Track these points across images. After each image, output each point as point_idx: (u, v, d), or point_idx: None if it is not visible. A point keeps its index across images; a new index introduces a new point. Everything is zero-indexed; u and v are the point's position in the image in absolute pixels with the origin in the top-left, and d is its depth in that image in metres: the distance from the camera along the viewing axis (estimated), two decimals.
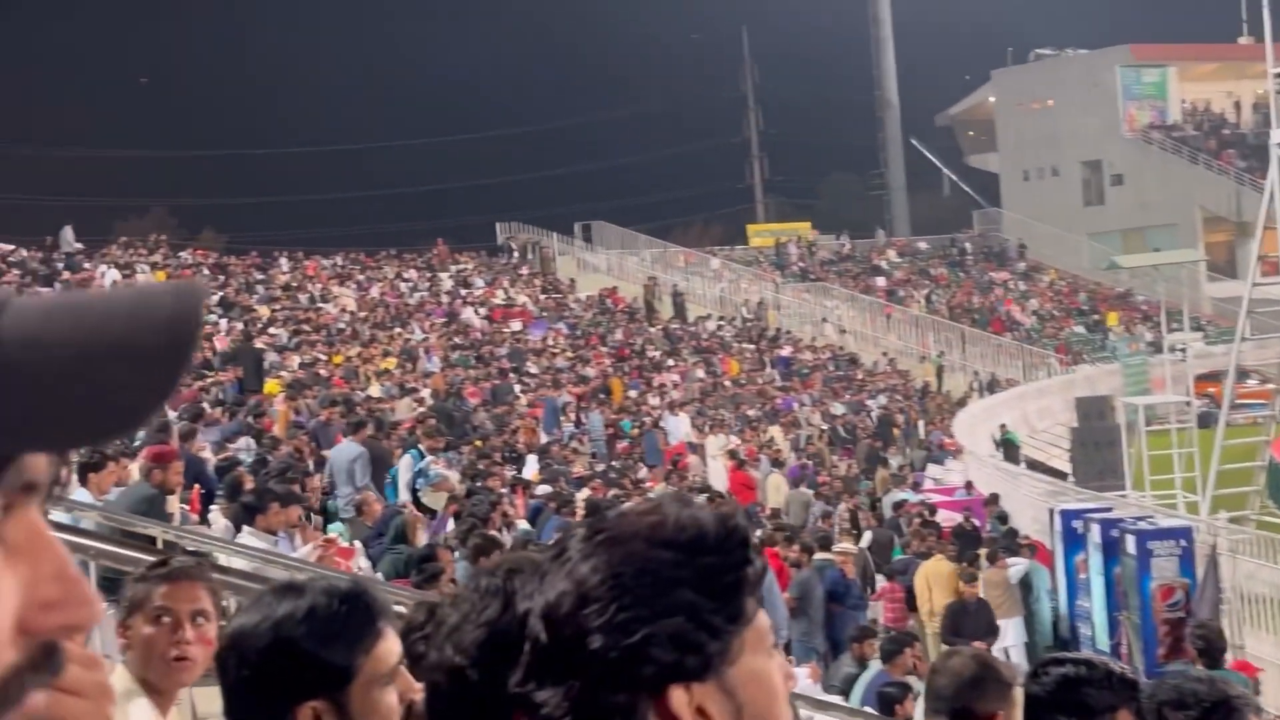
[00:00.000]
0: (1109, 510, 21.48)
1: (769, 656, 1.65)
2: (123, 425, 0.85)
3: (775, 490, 29.12)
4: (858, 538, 22.63)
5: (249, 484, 13.95)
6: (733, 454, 30.98)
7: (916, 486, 30.36)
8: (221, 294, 39.29)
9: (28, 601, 0.87)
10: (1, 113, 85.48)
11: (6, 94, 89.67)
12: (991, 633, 18.57)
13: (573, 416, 33.80)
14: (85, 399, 0.83)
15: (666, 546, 1.58)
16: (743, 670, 1.60)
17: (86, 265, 41.23)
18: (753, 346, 48.99)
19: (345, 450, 18.42)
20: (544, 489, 22.24)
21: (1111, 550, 19.06)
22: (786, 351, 48.88)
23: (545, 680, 1.59)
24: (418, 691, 2.44)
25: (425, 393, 31.09)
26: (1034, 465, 36.02)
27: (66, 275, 39.17)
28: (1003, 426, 38.87)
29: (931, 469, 34.71)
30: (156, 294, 0.86)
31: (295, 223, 78.55)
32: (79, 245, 44.28)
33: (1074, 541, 20.48)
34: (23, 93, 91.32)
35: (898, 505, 25.95)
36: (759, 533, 17.50)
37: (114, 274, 40.15)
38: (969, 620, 18.27)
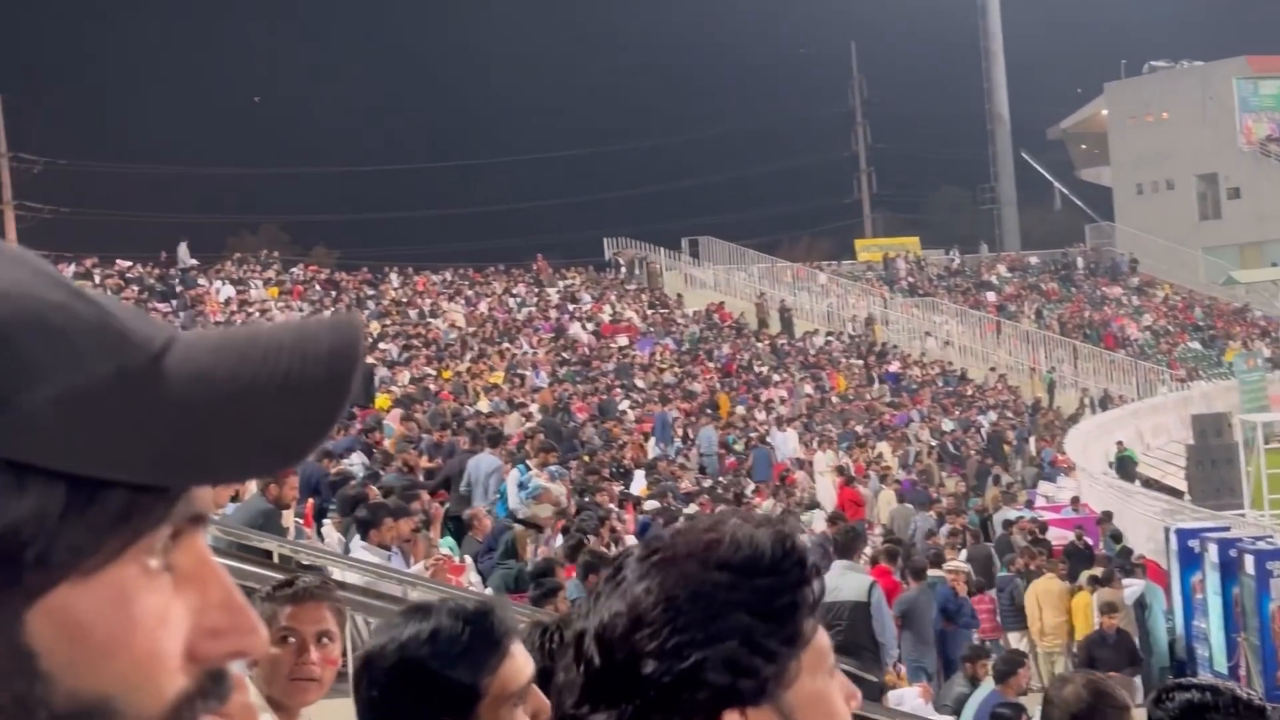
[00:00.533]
0: (1226, 529, 21.10)
1: (829, 677, 1.63)
2: (287, 458, 0.88)
3: (886, 507, 28.96)
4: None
5: (371, 497, 14.08)
6: (841, 470, 30.84)
7: (1029, 504, 30.03)
8: (333, 309, 39.78)
9: (196, 629, 0.90)
10: (119, 131, 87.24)
11: (124, 113, 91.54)
12: (1134, 664, 18.07)
13: (680, 432, 33.82)
14: (252, 433, 0.86)
15: (721, 568, 1.57)
16: (801, 693, 1.58)
17: (201, 281, 41.96)
18: (860, 362, 48.71)
19: (484, 462, 18.69)
20: (652, 504, 22.27)
21: (1230, 570, 18.70)
22: (895, 367, 48.55)
23: (599, 703, 1.58)
24: (548, 711, 2.46)
25: (533, 408, 31.24)
26: (1149, 483, 35.46)
27: (182, 290, 39.88)
28: (1120, 443, 38.32)
29: (1043, 486, 34.32)
30: (315, 329, 0.89)
31: (404, 238, 79.41)
32: (194, 261, 45.04)
33: (1190, 561, 20.12)
34: (140, 112, 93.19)
35: (1009, 523, 25.66)
36: (869, 550, 17.35)
37: (228, 290, 40.83)
38: (1108, 652, 17.64)
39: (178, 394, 0.85)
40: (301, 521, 14.46)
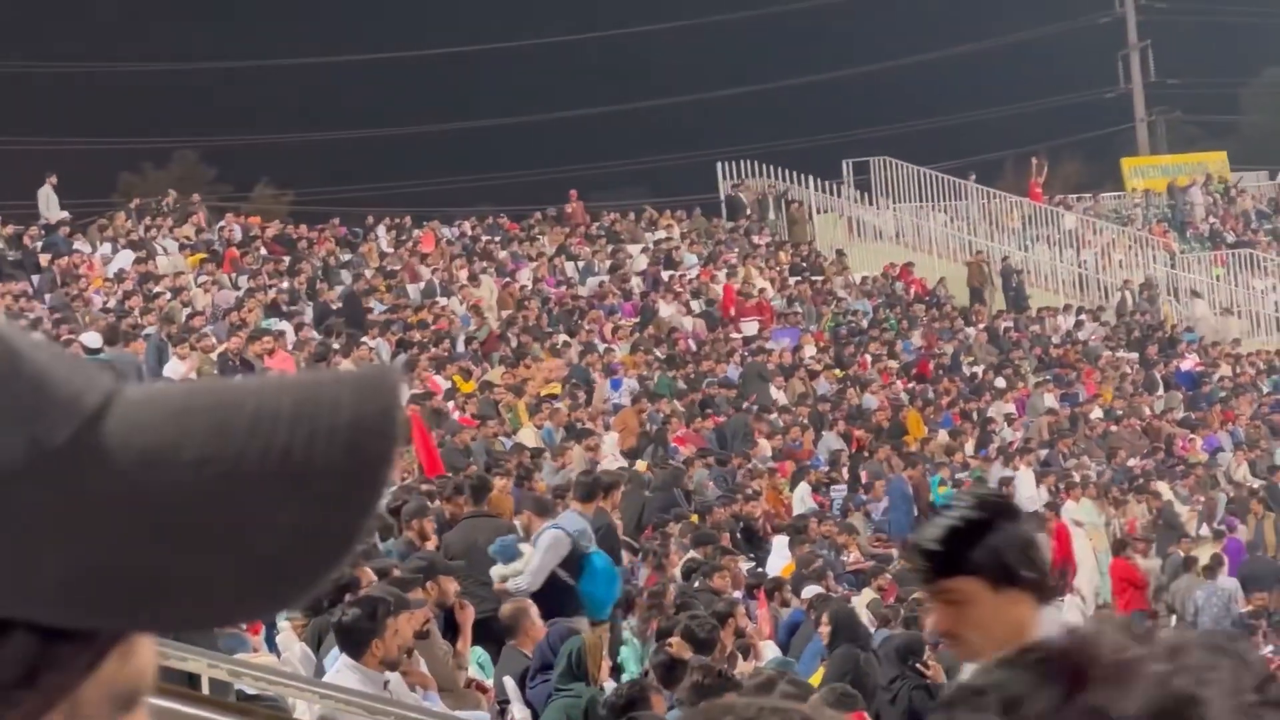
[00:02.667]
0: None
1: None
2: (290, 591, 0.87)
3: (1186, 585, 28.94)
4: None
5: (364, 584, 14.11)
6: (1118, 539, 30.71)
7: None
8: (287, 286, 40.00)
9: None
10: None
11: None
12: None
13: (846, 472, 33.81)
14: (235, 549, 0.84)
15: None
16: None
17: (77, 245, 42.24)
18: (1135, 355, 48.37)
19: (565, 523, 18.88)
20: (808, 591, 22.28)
21: None
22: (1191, 363, 48.17)
23: None
24: None
25: (607, 439, 31.28)
26: None
27: (46, 261, 40.21)
28: None
29: None
30: (331, 388, 0.88)
31: (393, 170, 79.23)
32: (64, 213, 45.31)
33: None
34: None
35: None
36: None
37: (124, 256, 41.11)
38: None
39: (121, 484, 0.83)
40: (245, 627, 14.56)
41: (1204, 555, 30.40)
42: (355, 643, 11.60)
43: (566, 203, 54.71)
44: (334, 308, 38.39)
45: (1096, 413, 42.55)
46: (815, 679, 17.33)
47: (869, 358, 43.28)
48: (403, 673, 11.93)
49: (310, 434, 0.85)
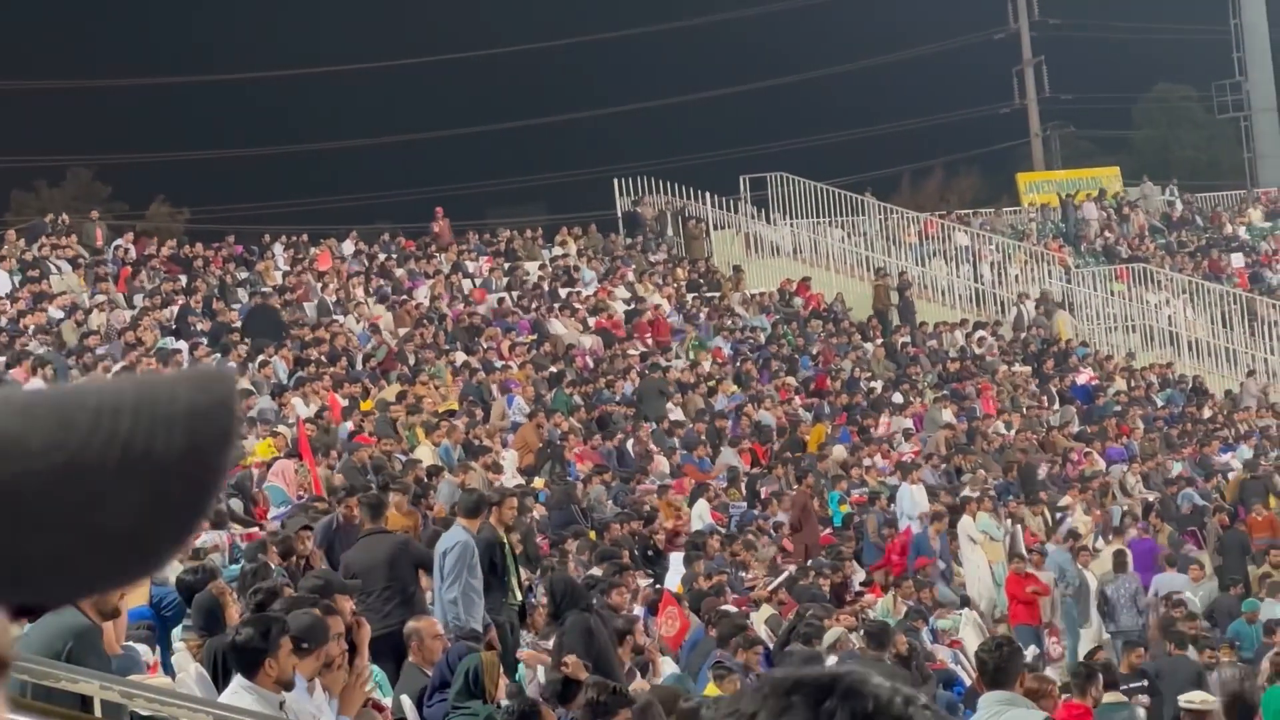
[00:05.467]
0: None
1: None
2: (139, 565, 0.90)
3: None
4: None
5: (236, 608, 14.05)
6: (1013, 553, 30.79)
7: None
8: (183, 304, 39.81)
9: None
10: None
11: None
12: None
13: (740, 489, 33.83)
14: (85, 529, 0.86)
15: None
16: None
17: None
18: (1030, 369, 48.56)
19: (447, 539, 18.92)
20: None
21: None
22: (1086, 377, 48.38)
23: None
24: None
25: (506, 456, 31.25)
26: None
27: None
28: None
29: None
30: (169, 384, 0.91)
31: (290, 187, 78.91)
32: None
33: None
34: None
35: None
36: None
37: (5, 277, 40.78)
38: None
39: None
40: (146, 664, 14.46)
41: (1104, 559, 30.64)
42: (248, 663, 11.51)
43: (434, 220, 54.53)
44: (236, 325, 38.31)
45: (999, 427, 42.67)
46: (710, 690, 17.34)
47: (767, 373, 43.34)
48: (324, 687, 11.89)
49: (150, 422, 0.88)
